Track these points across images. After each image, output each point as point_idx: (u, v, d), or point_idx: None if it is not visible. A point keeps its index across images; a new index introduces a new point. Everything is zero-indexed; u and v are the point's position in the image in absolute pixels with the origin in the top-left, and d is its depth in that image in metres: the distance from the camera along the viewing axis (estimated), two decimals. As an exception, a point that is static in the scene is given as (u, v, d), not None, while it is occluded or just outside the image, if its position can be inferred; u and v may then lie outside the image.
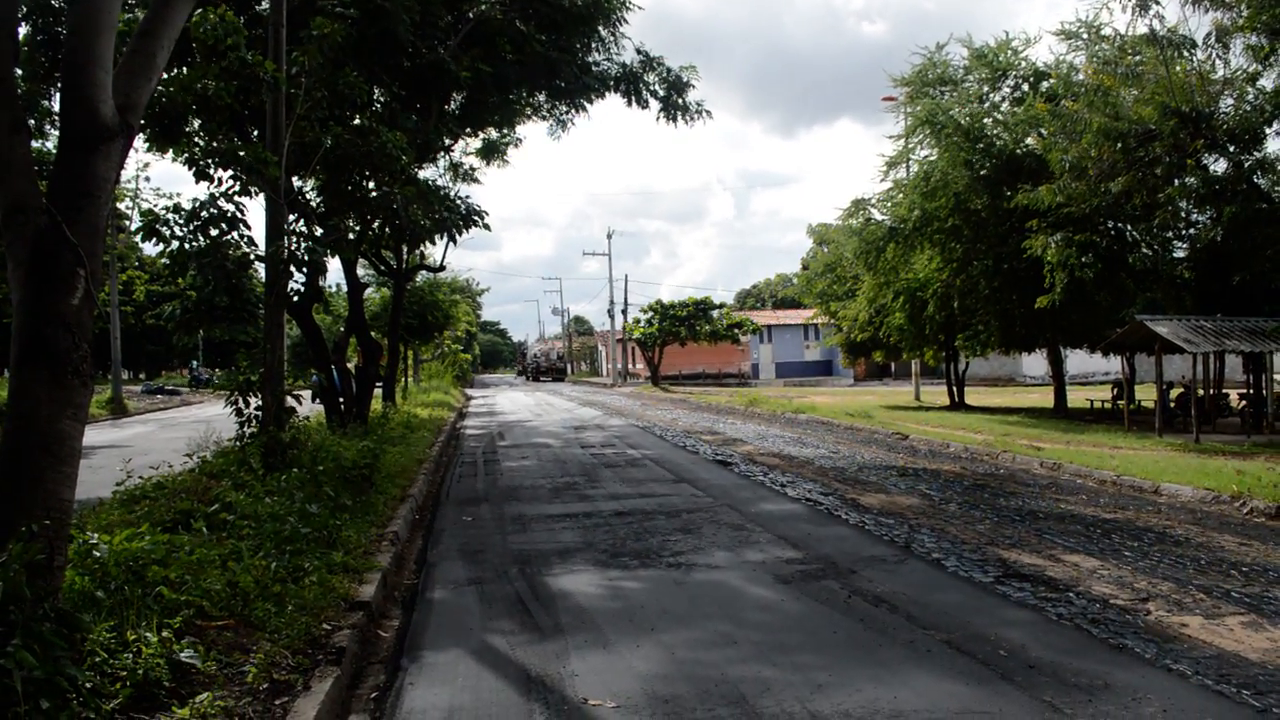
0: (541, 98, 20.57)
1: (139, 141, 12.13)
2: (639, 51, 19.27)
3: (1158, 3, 16.36)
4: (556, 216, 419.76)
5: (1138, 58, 17.75)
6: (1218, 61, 17.08)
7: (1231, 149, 17.49)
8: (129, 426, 27.34)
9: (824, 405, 28.04)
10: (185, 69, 11.73)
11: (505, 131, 23.53)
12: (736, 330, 52.13)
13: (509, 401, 40.41)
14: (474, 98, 18.41)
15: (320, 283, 14.90)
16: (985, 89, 23.36)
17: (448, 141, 20.23)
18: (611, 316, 60.49)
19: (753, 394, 35.55)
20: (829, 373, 61.93)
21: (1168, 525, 9.22)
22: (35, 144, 16.63)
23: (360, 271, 21.21)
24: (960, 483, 12.31)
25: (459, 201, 15.76)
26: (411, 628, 6.09)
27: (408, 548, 8.64)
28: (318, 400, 22.76)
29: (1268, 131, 17.22)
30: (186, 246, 10.02)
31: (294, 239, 11.40)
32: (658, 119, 19.99)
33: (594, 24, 17.92)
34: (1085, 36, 19.60)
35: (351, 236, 14.80)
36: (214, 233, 10.08)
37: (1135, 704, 4.54)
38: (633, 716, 4.49)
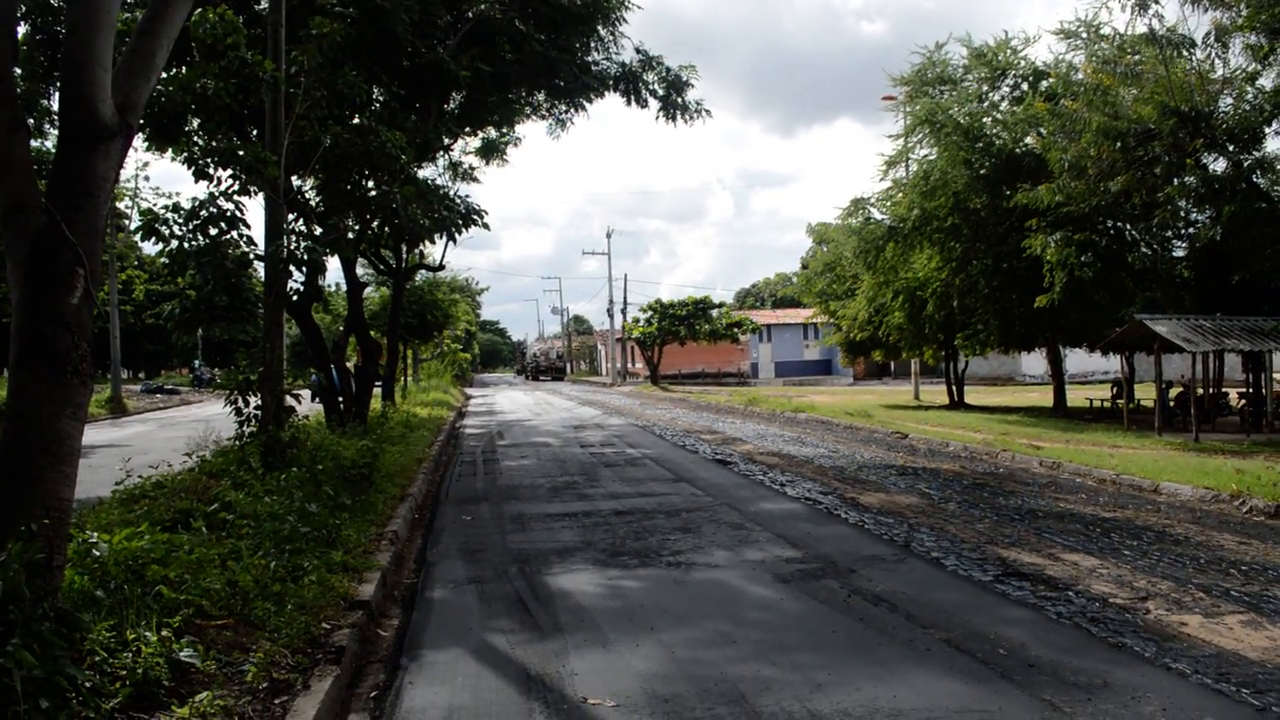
0: (541, 97, 20.56)
1: (138, 141, 12.13)
2: (638, 51, 19.28)
3: (1157, 2, 16.38)
4: (556, 216, 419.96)
5: (1137, 57, 17.76)
6: (1217, 61, 17.11)
7: (1231, 148, 17.49)
8: (128, 426, 27.33)
9: (823, 404, 28.05)
10: (184, 68, 11.73)
11: (504, 131, 23.52)
12: (736, 329, 52.14)
13: (508, 401, 40.42)
14: (473, 97, 18.40)
15: (319, 282, 14.89)
16: (984, 88, 23.37)
17: (447, 141, 20.22)
18: (611, 316, 60.52)
19: (752, 393, 35.56)
20: (828, 372, 61.94)
21: (1167, 524, 9.23)
22: (34, 143, 16.64)
23: (359, 271, 21.20)
24: (959, 482, 12.31)
25: (458, 201, 15.77)
26: (411, 627, 6.09)
27: (407, 547, 8.64)
28: (317, 399, 22.80)
29: (1267, 131, 17.23)
30: (186, 246, 10.02)
31: (293, 238, 11.40)
32: (657, 118, 19.99)
33: (593, 23, 17.92)
34: (1084, 36, 19.60)
35: (351, 236, 14.80)
36: (213, 232, 10.07)
37: (1134, 702, 4.55)
38: (632, 715, 4.50)
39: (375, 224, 14.76)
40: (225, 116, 10.58)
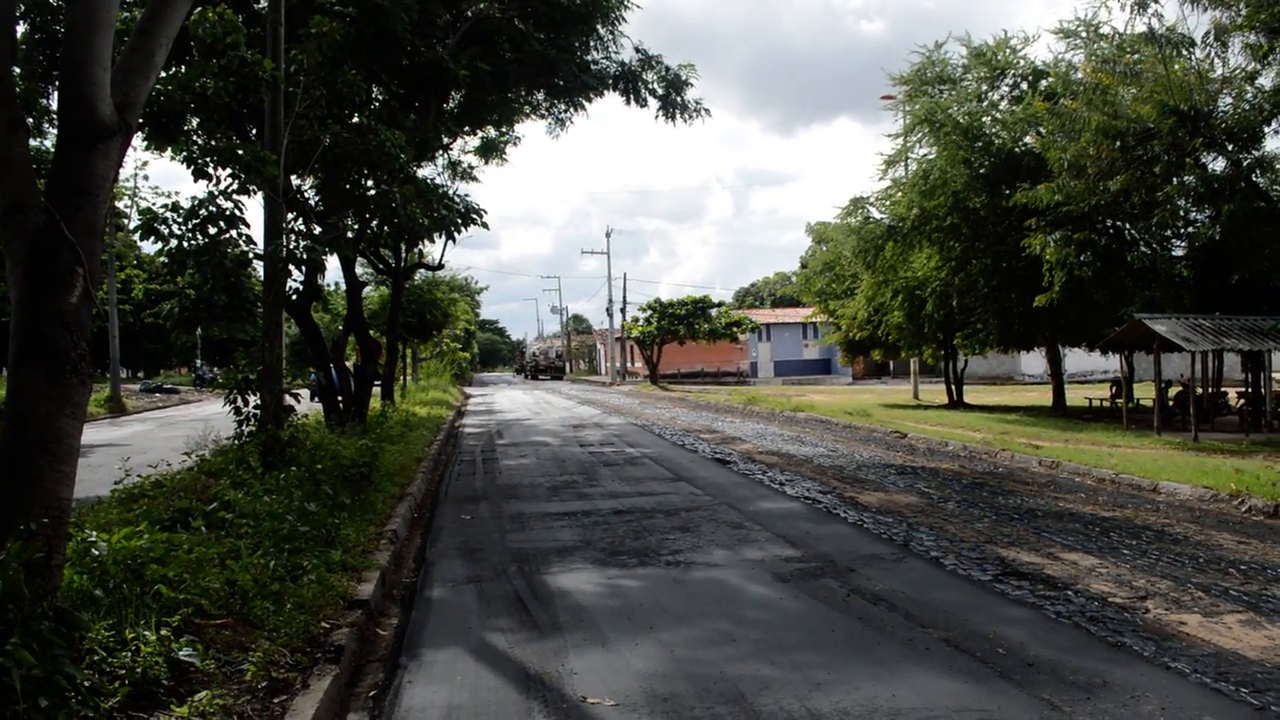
0: (540, 96, 20.55)
1: (137, 140, 12.11)
2: (638, 50, 19.27)
3: (1156, 1, 16.40)
4: (555, 215, 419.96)
5: (1136, 56, 17.76)
6: (1216, 60, 17.11)
7: (1230, 147, 17.50)
8: (127, 425, 27.32)
9: (822, 404, 28.05)
10: (184, 67, 11.72)
11: (504, 130, 23.51)
12: (735, 329, 52.14)
13: (507, 400, 40.41)
14: (472, 96, 18.40)
15: (319, 281, 14.88)
16: (984, 87, 23.37)
17: (446, 140, 20.22)
18: (610, 315, 60.51)
19: (751, 392, 35.57)
20: (828, 371, 61.95)
21: (1166, 523, 9.23)
22: (34, 142, 16.62)
23: (359, 270, 21.21)
24: (959, 481, 12.32)
25: (457, 200, 15.75)
26: (410, 626, 6.09)
27: (406, 546, 8.64)
28: (316, 399, 22.79)
29: (1266, 130, 17.24)
30: (185, 245, 10.00)
31: (292, 237, 11.39)
32: (656, 117, 20.00)
33: (592, 22, 17.92)
34: (1084, 35, 19.62)
35: (350, 235, 14.80)
36: (212, 231, 10.06)
37: (1134, 702, 4.55)
38: (631, 715, 4.50)
39: (374, 223, 14.76)
40: (224, 116, 10.57)
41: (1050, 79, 21.06)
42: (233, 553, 6.30)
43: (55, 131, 7.82)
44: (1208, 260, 18.70)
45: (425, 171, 20.88)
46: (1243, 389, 19.23)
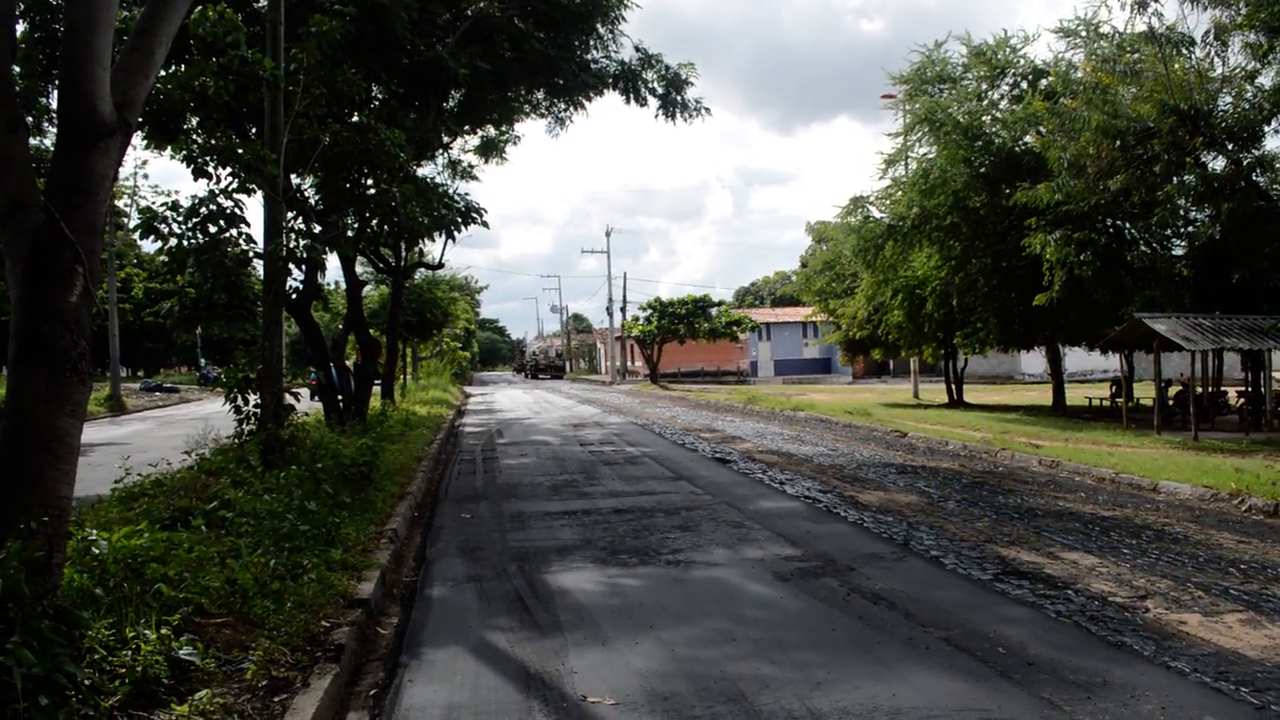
0: (540, 95, 20.56)
1: (137, 139, 12.12)
2: (637, 49, 19.28)
3: (1156, 0, 16.38)
4: (555, 214, 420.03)
5: (1136, 55, 17.76)
6: (1216, 59, 17.11)
7: (1230, 147, 17.50)
8: (127, 424, 27.32)
9: (822, 403, 28.05)
10: (183, 66, 11.72)
11: (504, 129, 23.53)
12: (735, 328, 52.15)
13: (507, 399, 40.41)
14: (472, 95, 18.40)
15: (318, 280, 14.89)
16: (984, 87, 23.36)
17: (446, 139, 20.24)
18: (610, 314, 60.51)
19: (751, 391, 35.57)
20: (828, 370, 61.94)
21: (1166, 523, 9.23)
22: (33, 141, 16.62)
23: (359, 269, 21.21)
24: (959, 480, 12.32)
25: (457, 199, 15.76)
26: (410, 625, 6.09)
27: (406, 545, 8.64)
28: (316, 398, 22.79)
29: (1266, 129, 17.24)
30: (185, 244, 10.00)
31: (292, 236, 11.39)
32: (656, 116, 20.00)
33: (592, 21, 17.92)
34: (1084, 34, 19.62)
35: (350, 234, 14.79)
36: (212, 230, 10.06)
37: (1134, 701, 4.55)
38: (632, 714, 4.49)
39: (374, 222, 14.76)
40: (224, 114, 10.58)
41: (1050, 78, 21.06)
42: (233, 551, 6.30)
43: (55, 130, 7.82)
44: (1208, 259, 18.70)
45: (425, 170, 20.93)
46: (1243, 388, 19.23)
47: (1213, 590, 6.59)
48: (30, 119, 15.26)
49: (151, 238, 9.85)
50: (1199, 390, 18.34)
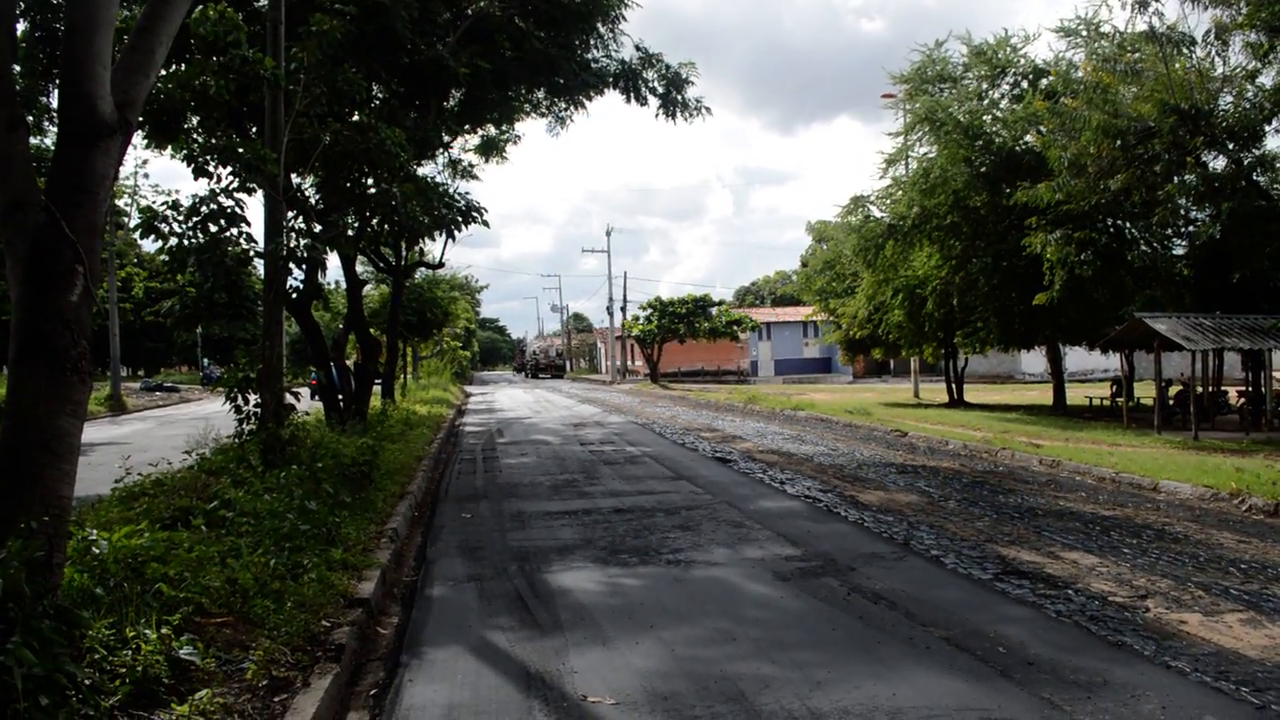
0: (540, 94, 20.55)
1: (137, 138, 12.11)
2: (638, 48, 19.28)
3: (1157, 0, 16.38)
4: (555, 214, 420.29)
5: (1137, 55, 17.75)
6: (1217, 59, 17.11)
7: (1231, 146, 17.49)
8: (128, 423, 27.33)
9: (823, 402, 28.05)
10: (184, 65, 11.72)
11: (504, 128, 23.52)
12: (735, 327, 52.15)
13: (508, 399, 40.41)
14: (473, 94, 18.39)
15: (319, 279, 14.89)
16: (984, 86, 23.36)
17: (446, 138, 20.22)
18: (610, 314, 60.51)
19: (752, 391, 35.57)
20: (828, 370, 61.94)
21: (1166, 522, 9.23)
22: (34, 140, 16.62)
23: (359, 268, 21.21)
24: (959, 480, 12.32)
25: (458, 198, 15.75)
26: (411, 625, 6.09)
27: (407, 544, 8.65)
28: (316, 397, 22.80)
29: (1267, 129, 17.23)
30: (185, 243, 10.00)
31: (293, 235, 11.39)
32: (657, 116, 20.00)
33: (593, 21, 17.92)
34: (1084, 33, 19.61)
35: (350, 233, 14.79)
36: (213, 229, 10.06)
37: (1134, 701, 4.55)
38: (632, 713, 4.49)
39: (375, 221, 14.76)
40: (224, 114, 10.58)
41: (1051, 78, 21.06)
42: (233, 551, 6.30)
43: (55, 129, 7.82)
44: (1208, 259, 18.70)
45: (425, 170, 20.92)
46: (1243, 388, 19.23)
47: (1213, 590, 6.59)
48: (31, 118, 15.26)
49: (152, 237, 9.85)
50: (1199, 390, 18.33)
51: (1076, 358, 36.72)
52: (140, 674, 4.21)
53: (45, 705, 3.61)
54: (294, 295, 14.15)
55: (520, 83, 19.12)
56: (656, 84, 19.40)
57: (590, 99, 19.89)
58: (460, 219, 15.57)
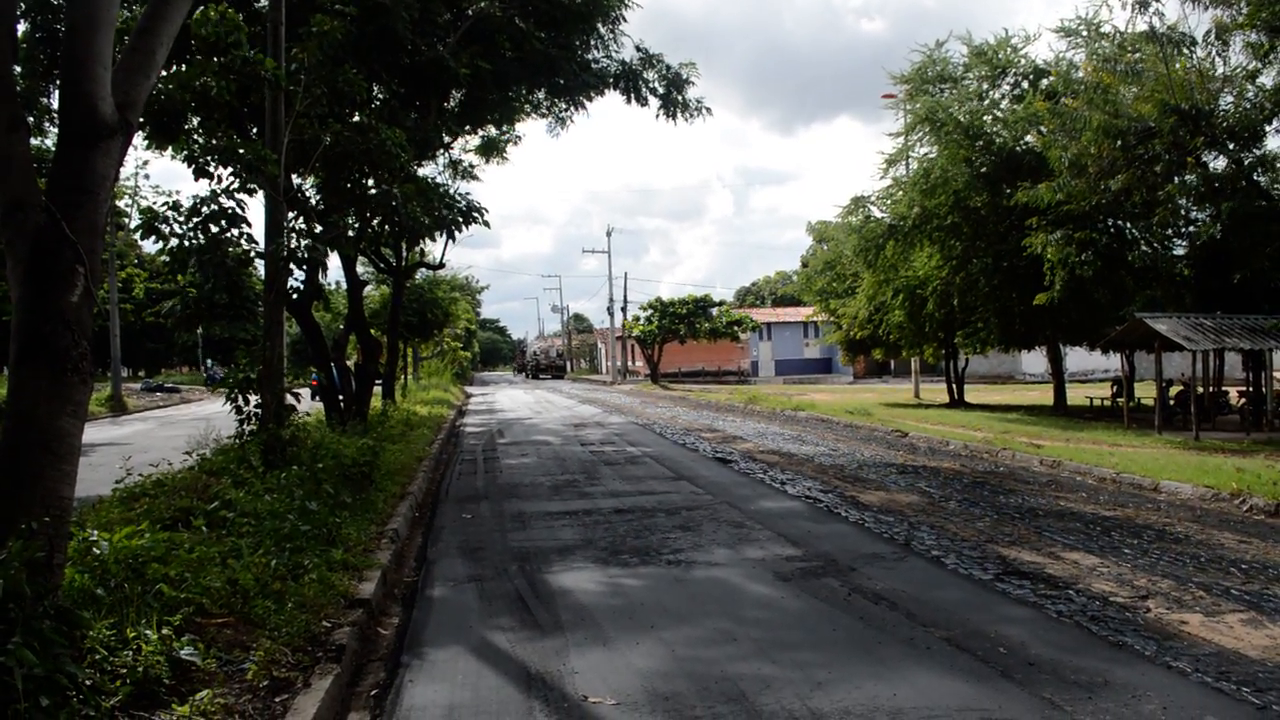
0: (541, 95, 20.56)
1: (138, 138, 12.13)
2: (638, 49, 19.28)
3: (1157, 0, 16.38)
4: (556, 214, 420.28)
5: (1137, 55, 17.75)
6: (1217, 59, 17.11)
7: (1231, 146, 17.49)
8: (128, 424, 27.34)
9: (823, 403, 28.05)
10: (184, 66, 11.73)
11: (504, 129, 23.52)
12: (736, 328, 52.14)
13: (508, 399, 40.41)
14: (473, 95, 18.40)
15: (320, 280, 14.89)
16: (985, 86, 23.36)
17: (447, 139, 20.22)
18: (611, 314, 60.50)
19: (752, 391, 35.57)
20: (828, 370, 61.93)
21: (1167, 523, 9.23)
22: (34, 141, 16.63)
23: (360, 269, 21.21)
24: (960, 480, 12.31)
25: (458, 199, 15.74)
26: (411, 625, 6.09)
27: (407, 545, 8.64)
28: (317, 398, 22.81)
29: (1267, 129, 17.23)
30: (186, 243, 10.00)
31: (293, 236, 11.39)
32: (657, 116, 19.99)
33: (593, 21, 17.92)
34: (1085, 34, 19.61)
35: (351, 234, 14.78)
36: (214, 230, 10.06)
37: (1135, 701, 4.55)
38: (633, 714, 4.49)
39: (375, 222, 14.75)
40: (225, 114, 10.58)
41: (1051, 78, 21.06)
42: (234, 552, 6.30)
43: (56, 130, 7.83)
44: (1209, 259, 18.70)
45: (426, 170, 20.91)
46: (1244, 388, 19.22)
47: (1214, 590, 6.58)
48: (31, 119, 15.27)
49: (153, 238, 9.85)
50: (1200, 390, 18.33)
51: (1077, 358, 36.71)
52: (141, 674, 4.21)
53: (46, 706, 3.61)
54: (295, 296, 14.14)
55: (520, 83, 19.13)
56: (657, 84, 19.40)
57: (590, 99, 19.90)
58: (461, 219, 15.57)
